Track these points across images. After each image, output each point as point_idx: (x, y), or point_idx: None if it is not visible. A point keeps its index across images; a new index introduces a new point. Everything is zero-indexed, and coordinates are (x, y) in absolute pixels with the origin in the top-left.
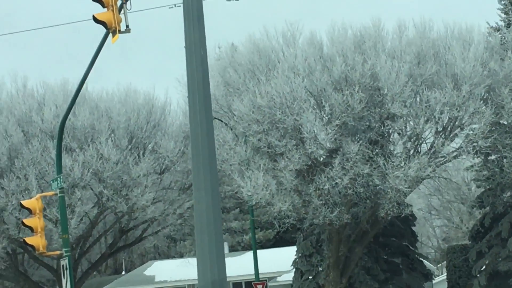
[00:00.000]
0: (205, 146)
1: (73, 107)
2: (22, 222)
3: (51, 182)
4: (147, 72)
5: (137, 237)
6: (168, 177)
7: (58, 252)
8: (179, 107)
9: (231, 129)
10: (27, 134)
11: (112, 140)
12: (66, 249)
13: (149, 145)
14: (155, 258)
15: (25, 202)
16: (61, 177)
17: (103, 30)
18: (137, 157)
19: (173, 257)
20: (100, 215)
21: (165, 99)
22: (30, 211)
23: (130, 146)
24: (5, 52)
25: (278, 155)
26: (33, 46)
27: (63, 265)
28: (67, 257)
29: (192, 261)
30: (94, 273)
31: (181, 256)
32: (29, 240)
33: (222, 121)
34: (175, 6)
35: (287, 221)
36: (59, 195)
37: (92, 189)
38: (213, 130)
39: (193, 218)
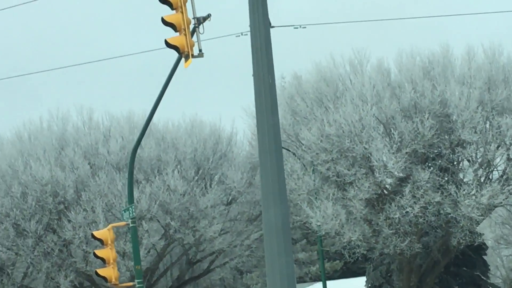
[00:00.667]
0: (275, 175)
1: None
2: (94, 253)
3: (123, 212)
4: (212, 102)
5: (205, 270)
6: (235, 208)
7: (130, 284)
8: (245, 137)
9: (299, 159)
10: (94, 167)
11: (178, 171)
12: (139, 280)
13: (216, 176)
14: None
15: (96, 233)
16: (133, 207)
17: (165, 60)
18: (204, 188)
19: None
20: (167, 247)
21: (231, 129)
22: (101, 242)
23: (196, 177)
24: (70, 84)
25: (347, 184)
26: (98, 78)
27: None
28: None
29: None
30: None
31: None
32: (101, 271)
33: (289, 151)
34: (242, 34)
35: (357, 251)
36: (131, 225)
37: (159, 221)
38: (282, 157)
39: (260, 250)
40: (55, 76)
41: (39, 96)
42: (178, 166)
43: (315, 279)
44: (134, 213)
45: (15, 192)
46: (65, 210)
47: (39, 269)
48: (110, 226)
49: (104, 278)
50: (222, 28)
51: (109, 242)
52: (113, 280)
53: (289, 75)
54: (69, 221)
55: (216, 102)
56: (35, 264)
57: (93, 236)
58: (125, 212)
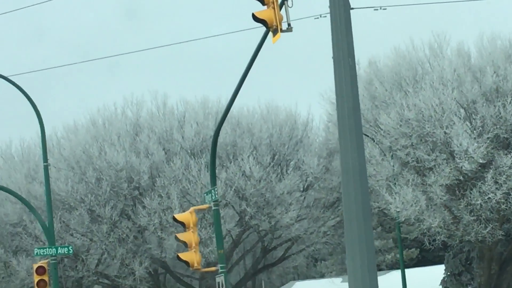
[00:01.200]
0: (355, 159)
1: (214, 125)
2: (176, 236)
3: (205, 194)
4: (288, 87)
5: (280, 257)
6: (312, 194)
7: (214, 269)
8: (322, 122)
9: (378, 144)
10: (168, 152)
11: (254, 157)
12: (221, 265)
13: (292, 162)
14: (294, 279)
15: (178, 216)
16: (215, 189)
17: (236, 46)
18: (280, 174)
19: (313, 278)
20: (243, 234)
21: (308, 115)
22: (183, 225)
23: (272, 163)
24: (145, 69)
25: (427, 170)
26: (172, 63)
27: (219, 282)
28: (223, 274)
29: (337, 281)
30: None
31: (322, 276)
32: (183, 256)
33: (368, 136)
34: (320, 16)
35: (437, 238)
36: (213, 208)
37: (233, 207)
38: (362, 141)
39: (336, 237)
40: (129, 61)
41: (113, 81)
42: (254, 152)
43: (390, 267)
44: (216, 196)
45: (90, 178)
46: (139, 196)
47: (114, 255)
48: (192, 209)
49: (186, 262)
50: (299, 10)
51: (191, 225)
52: (195, 264)
53: (365, 58)
54: (144, 207)
55: (292, 87)
56: (109, 251)
57: (174, 219)
58: (207, 194)
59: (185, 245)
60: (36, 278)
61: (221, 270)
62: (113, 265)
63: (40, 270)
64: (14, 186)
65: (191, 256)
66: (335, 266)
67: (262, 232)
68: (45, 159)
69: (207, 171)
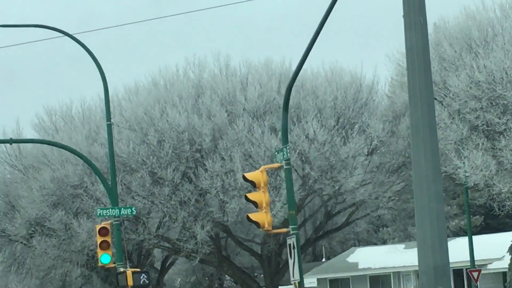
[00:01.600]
0: (426, 122)
1: (278, 87)
2: (246, 196)
3: (276, 153)
4: (353, 49)
5: (343, 222)
6: (377, 159)
7: (285, 230)
8: (388, 85)
9: (446, 107)
10: (231, 114)
11: (318, 120)
12: (293, 226)
13: (357, 125)
14: (354, 245)
15: (248, 175)
16: (287, 147)
17: (297, 7)
18: (344, 137)
19: (375, 244)
20: (306, 198)
21: (373, 77)
22: (253, 185)
23: (337, 126)
24: (206, 30)
25: (498, 134)
26: (234, 23)
27: (290, 244)
28: (294, 235)
29: (400, 248)
30: None
31: (383, 242)
32: (253, 216)
33: (436, 99)
34: None
35: (507, 203)
36: (285, 167)
37: (296, 171)
38: (433, 103)
39: (402, 202)
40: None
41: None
42: (318, 115)
43: (455, 234)
44: (289, 154)
45: (151, 139)
46: (201, 159)
47: (175, 218)
48: (262, 167)
49: (256, 223)
50: None
51: (262, 184)
52: (266, 225)
53: (434, 19)
54: (206, 170)
55: (357, 49)
56: (171, 214)
57: (244, 178)
58: (278, 153)
59: (255, 206)
60: (99, 239)
61: (293, 232)
62: (174, 228)
63: (103, 231)
64: (74, 147)
65: (262, 217)
66: (397, 233)
67: (325, 196)
68: (109, 118)
69: (271, 134)
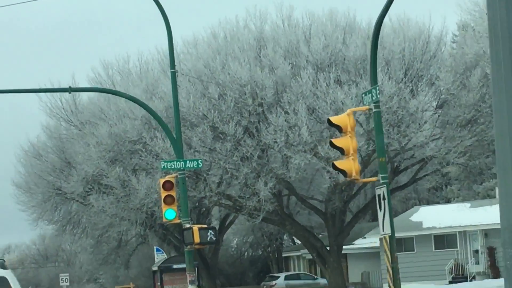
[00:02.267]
0: (508, 66)
1: (343, 38)
2: (331, 142)
3: (363, 95)
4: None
5: (410, 179)
6: (447, 112)
7: (374, 179)
8: (458, 36)
9: None
10: (294, 67)
11: (386, 72)
12: (383, 175)
13: (426, 77)
14: (415, 204)
15: (334, 119)
16: (377, 88)
17: None
18: (413, 90)
19: (437, 203)
20: (373, 153)
21: (442, 28)
22: (339, 130)
23: (405, 79)
24: None
25: None
26: None
27: (379, 195)
28: (384, 185)
29: (467, 206)
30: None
31: (447, 201)
32: (339, 164)
33: None
34: None
35: None
36: (374, 110)
37: (361, 125)
38: None
39: (472, 157)
40: None
41: None
42: (386, 67)
43: None
44: (378, 96)
45: (212, 93)
46: (264, 113)
47: (237, 175)
48: (349, 110)
49: (342, 171)
50: None
51: (349, 129)
52: (354, 174)
53: None
54: (269, 124)
55: None
56: (232, 170)
57: (329, 122)
58: (365, 95)
59: (342, 152)
60: (163, 194)
61: (383, 181)
62: (235, 185)
63: (168, 185)
64: (132, 102)
65: (349, 165)
66: (461, 192)
67: (392, 152)
68: (173, 65)
69: (336, 86)
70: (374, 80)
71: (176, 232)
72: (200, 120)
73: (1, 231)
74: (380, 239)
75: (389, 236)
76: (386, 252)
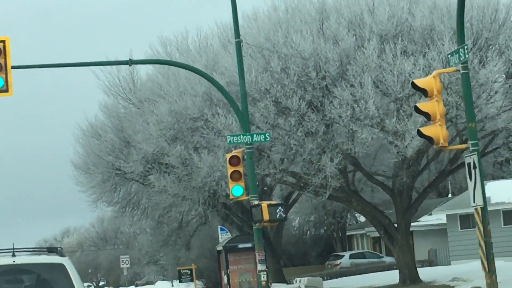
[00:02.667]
0: None
1: (409, 7)
2: (416, 107)
3: (448, 56)
4: None
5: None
6: None
7: (463, 146)
8: None
9: None
10: (359, 38)
11: (454, 42)
12: (473, 141)
13: (494, 47)
14: None
15: (418, 81)
16: (466, 47)
17: None
18: (483, 59)
19: (503, 178)
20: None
21: None
22: (424, 94)
23: (474, 49)
24: None
25: None
26: None
27: (469, 163)
28: (475, 152)
29: None
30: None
31: None
32: (425, 130)
33: None
34: None
35: None
36: (461, 71)
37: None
38: None
39: None
40: None
41: None
42: (454, 36)
43: None
44: (467, 56)
45: (275, 67)
46: (329, 86)
47: (302, 151)
48: (435, 72)
49: (428, 138)
50: None
51: (435, 92)
52: (441, 141)
53: None
54: (334, 97)
55: None
56: (296, 146)
57: (414, 85)
58: (452, 55)
59: (427, 118)
60: (230, 170)
61: (473, 148)
62: (299, 162)
63: (234, 160)
64: (192, 78)
65: (436, 131)
66: None
67: (461, 125)
68: (237, 35)
69: (403, 57)
70: (461, 39)
71: (238, 212)
72: (262, 95)
73: (60, 214)
74: (475, 209)
75: (481, 208)
76: (478, 225)
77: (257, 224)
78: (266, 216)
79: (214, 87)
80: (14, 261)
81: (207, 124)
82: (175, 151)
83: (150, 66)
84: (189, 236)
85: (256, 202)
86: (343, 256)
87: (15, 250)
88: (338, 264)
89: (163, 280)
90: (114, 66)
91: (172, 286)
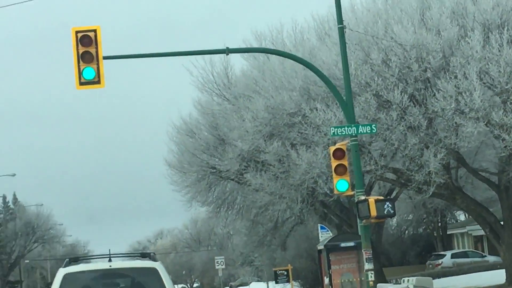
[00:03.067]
0: None
1: None
2: None
3: None
4: None
5: None
6: None
7: None
8: None
9: None
10: (463, 28)
11: None
12: None
13: None
14: None
15: None
16: None
17: None
18: None
19: None
20: None
21: None
22: None
23: None
24: None
25: None
26: None
27: None
28: None
29: None
30: None
31: None
32: None
33: None
34: None
35: None
36: None
37: None
38: None
39: None
40: None
41: None
42: None
43: None
44: None
45: (375, 59)
46: (431, 78)
47: (404, 146)
48: None
49: None
50: None
51: None
52: None
53: None
54: (437, 90)
55: None
56: (398, 141)
57: None
58: None
59: None
60: (334, 163)
61: None
62: (402, 157)
63: (338, 154)
64: (289, 72)
65: None
66: None
67: None
68: (340, 20)
69: (510, 47)
70: None
71: (337, 210)
72: (362, 89)
73: (154, 216)
74: None
75: None
76: None
77: (364, 221)
78: (373, 212)
79: (311, 81)
80: (110, 266)
81: (304, 119)
82: (271, 148)
83: (244, 62)
84: (284, 236)
85: (362, 198)
86: (445, 255)
87: (111, 255)
88: (440, 264)
89: (258, 281)
90: (208, 62)
91: (268, 287)
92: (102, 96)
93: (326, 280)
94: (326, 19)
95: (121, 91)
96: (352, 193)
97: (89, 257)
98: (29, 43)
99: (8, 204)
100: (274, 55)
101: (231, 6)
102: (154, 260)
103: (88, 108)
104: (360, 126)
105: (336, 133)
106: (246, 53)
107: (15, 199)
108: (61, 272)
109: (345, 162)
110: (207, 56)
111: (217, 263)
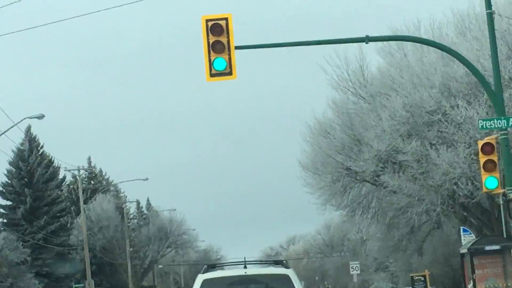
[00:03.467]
0: None
1: None
2: None
3: None
4: None
5: None
6: None
7: None
8: None
9: None
10: None
11: None
12: None
13: None
14: None
15: None
16: None
17: None
18: None
19: None
20: None
21: None
22: None
23: None
24: None
25: None
26: None
27: None
28: None
29: None
30: None
31: None
32: None
33: None
34: None
35: None
36: None
37: None
38: None
39: None
40: None
41: None
42: None
43: None
44: None
45: None
46: None
47: None
48: None
49: None
50: None
51: None
52: None
53: None
54: None
55: None
56: None
57: None
58: None
59: None
60: (482, 159)
61: None
62: None
63: (487, 148)
64: (428, 68)
65: None
66: None
67: None
68: (489, 5)
69: None
70: None
71: (478, 213)
72: (506, 84)
73: (287, 221)
74: None
75: None
76: None
77: None
78: None
79: (451, 77)
80: (245, 272)
81: (445, 117)
82: (409, 147)
83: (380, 59)
84: (421, 241)
85: None
86: None
87: (246, 262)
88: None
89: (392, 287)
90: (342, 60)
91: None
92: (232, 91)
93: (470, 286)
94: (466, 13)
95: (251, 85)
96: (502, 191)
97: (225, 264)
98: (164, 51)
99: (142, 209)
100: (411, 52)
101: (367, 2)
102: (287, 267)
103: (217, 111)
104: (511, 119)
105: (484, 127)
106: (382, 51)
107: (148, 204)
108: (200, 278)
109: (494, 157)
110: (341, 54)
111: (352, 268)
